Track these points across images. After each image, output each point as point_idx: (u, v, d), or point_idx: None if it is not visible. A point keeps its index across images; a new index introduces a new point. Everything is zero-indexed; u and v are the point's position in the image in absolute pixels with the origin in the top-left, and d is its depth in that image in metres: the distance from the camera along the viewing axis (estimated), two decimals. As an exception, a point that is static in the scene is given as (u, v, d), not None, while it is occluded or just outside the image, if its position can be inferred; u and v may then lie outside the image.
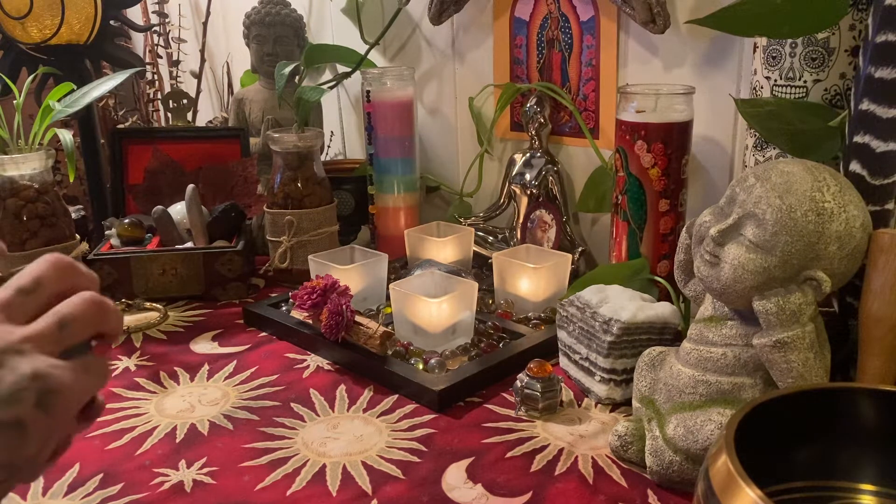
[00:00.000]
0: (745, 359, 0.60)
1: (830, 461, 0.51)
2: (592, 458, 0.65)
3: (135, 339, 0.92)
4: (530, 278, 0.90)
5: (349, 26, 1.25)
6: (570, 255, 0.93)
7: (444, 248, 1.01)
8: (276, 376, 0.81)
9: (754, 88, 0.77)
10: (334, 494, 0.61)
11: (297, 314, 0.87)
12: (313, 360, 0.85)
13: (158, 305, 1.00)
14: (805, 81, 0.72)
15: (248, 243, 1.07)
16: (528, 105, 1.03)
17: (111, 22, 1.17)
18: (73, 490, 0.62)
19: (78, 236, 0.98)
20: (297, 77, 1.19)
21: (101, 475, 0.64)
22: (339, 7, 1.28)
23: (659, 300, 0.78)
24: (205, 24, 1.47)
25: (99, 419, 0.73)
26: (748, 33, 0.78)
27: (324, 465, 0.65)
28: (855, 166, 0.64)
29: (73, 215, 1.01)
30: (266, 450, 0.68)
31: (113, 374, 0.83)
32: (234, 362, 0.85)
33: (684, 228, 0.67)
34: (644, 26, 0.89)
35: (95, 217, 1.22)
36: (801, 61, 0.72)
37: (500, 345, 0.83)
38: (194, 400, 0.77)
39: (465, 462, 0.65)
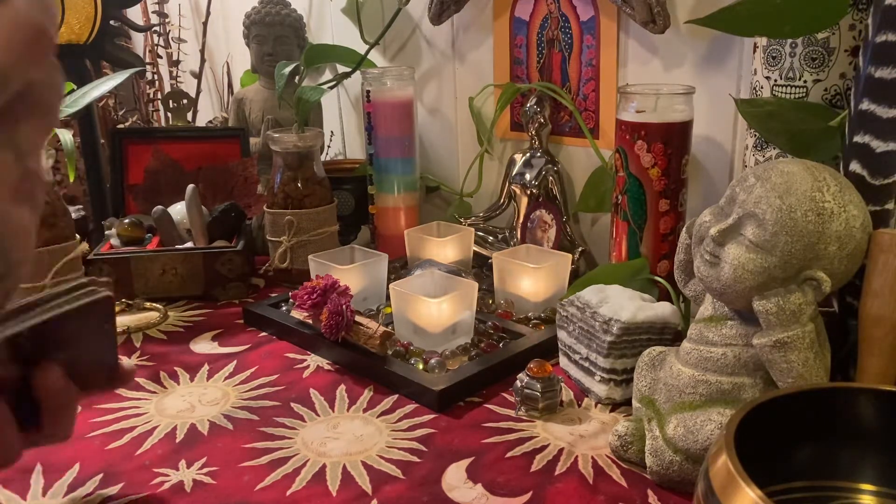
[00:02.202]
0: (745, 359, 0.60)
1: (830, 461, 0.51)
2: (592, 458, 0.65)
3: (135, 339, 0.92)
4: (530, 278, 0.90)
5: (349, 26, 1.25)
6: (570, 255, 0.93)
7: (444, 248, 1.01)
8: (276, 376, 0.81)
9: (754, 88, 0.77)
10: (334, 494, 0.61)
11: (297, 314, 0.87)
12: (313, 360, 0.85)
13: (158, 305, 1.00)
14: (805, 81, 0.72)
15: (248, 243, 1.07)
16: (528, 105, 1.03)
17: (111, 22, 1.17)
18: (73, 490, 0.62)
19: (78, 236, 0.98)
20: (297, 77, 1.19)
21: (101, 475, 0.64)
22: (339, 7, 1.28)
23: (659, 300, 0.78)
24: (205, 24, 1.47)
25: (99, 419, 0.73)
26: (748, 33, 0.78)
27: (324, 465, 0.65)
28: (855, 166, 0.64)
29: (73, 215, 1.01)
30: (266, 450, 0.68)
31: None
32: (234, 362, 0.85)
33: (684, 228, 0.67)
34: (644, 26, 0.89)
35: (95, 217, 1.22)
36: (801, 61, 0.72)
37: (500, 345, 0.83)
38: (194, 400, 0.77)
39: (465, 462, 0.65)
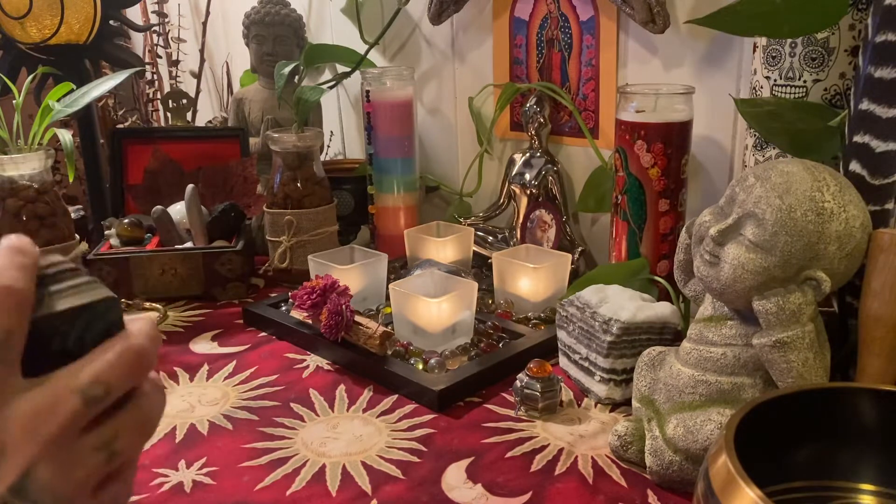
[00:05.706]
0: (745, 359, 0.60)
1: (830, 461, 0.51)
2: (592, 458, 0.65)
3: (134, 339, 0.92)
4: (530, 278, 0.90)
5: (349, 26, 1.25)
6: (569, 255, 0.93)
7: (444, 248, 1.01)
8: (275, 376, 0.81)
9: (754, 88, 0.77)
10: (334, 494, 0.61)
11: (297, 314, 0.87)
12: (313, 360, 0.85)
13: (158, 305, 1.00)
14: (805, 81, 0.72)
15: (247, 243, 1.07)
16: (528, 105, 1.03)
17: (111, 22, 1.17)
18: (73, 490, 0.62)
19: (77, 236, 0.98)
20: (297, 77, 1.19)
21: (100, 475, 0.64)
22: (339, 7, 1.28)
23: (659, 300, 0.78)
24: (204, 24, 1.47)
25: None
26: (748, 33, 0.78)
27: (323, 465, 0.65)
28: (855, 166, 0.64)
29: (73, 215, 1.01)
30: (266, 450, 0.68)
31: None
32: (234, 362, 0.85)
33: (684, 228, 0.67)
34: (644, 26, 0.89)
35: (95, 217, 1.22)
36: (801, 61, 0.72)
37: (500, 345, 0.83)
38: (194, 400, 0.77)
39: (465, 462, 0.65)
